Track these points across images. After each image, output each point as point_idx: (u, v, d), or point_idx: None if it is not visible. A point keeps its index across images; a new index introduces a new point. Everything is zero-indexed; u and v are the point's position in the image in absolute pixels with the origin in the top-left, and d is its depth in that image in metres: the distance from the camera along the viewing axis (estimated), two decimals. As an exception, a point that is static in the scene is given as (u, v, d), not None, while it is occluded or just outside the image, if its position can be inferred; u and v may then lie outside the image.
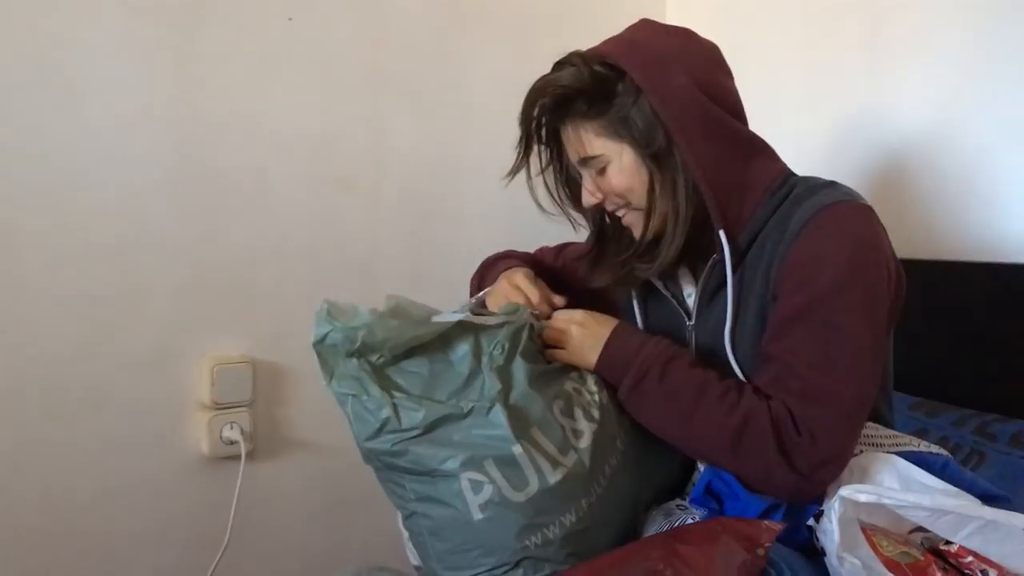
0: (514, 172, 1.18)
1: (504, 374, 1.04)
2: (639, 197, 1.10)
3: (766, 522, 0.92)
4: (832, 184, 1.10)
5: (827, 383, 0.98)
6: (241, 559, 1.63)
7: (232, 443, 1.60)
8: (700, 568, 0.85)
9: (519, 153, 1.19)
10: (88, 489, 1.51)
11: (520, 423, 1.00)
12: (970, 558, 0.86)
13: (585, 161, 1.12)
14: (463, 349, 1.05)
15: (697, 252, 1.14)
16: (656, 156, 1.07)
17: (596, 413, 1.07)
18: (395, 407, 0.99)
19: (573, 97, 1.09)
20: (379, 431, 1.00)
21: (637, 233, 1.14)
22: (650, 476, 1.12)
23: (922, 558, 0.86)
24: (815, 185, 1.10)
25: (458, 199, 1.85)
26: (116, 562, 1.54)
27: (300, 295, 1.68)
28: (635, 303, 1.26)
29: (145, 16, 1.51)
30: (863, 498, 0.85)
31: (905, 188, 1.60)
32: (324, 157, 1.70)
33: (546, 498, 0.98)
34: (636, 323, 1.25)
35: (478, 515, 0.97)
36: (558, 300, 1.21)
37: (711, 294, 1.15)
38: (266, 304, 1.66)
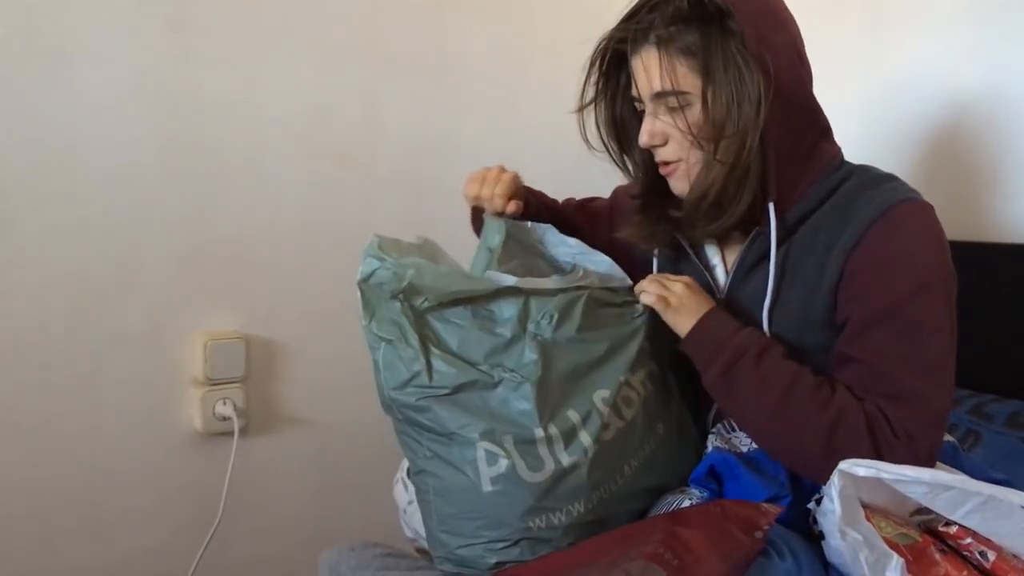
0: (585, 103, 1.15)
1: (546, 348, 1.01)
2: (709, 140, 1.04)
3: (765, 505, 0.92)
4: (892, 177, 1.08)
5: (918, 384, 0.96)
6: (234, 536, 1.63)
7: (225, 419, 1.59)
8: (700, 551, 0.85)
9: (597, 74, 1.13)
10: (79, 465, 1.50)
11: (549, 404, 0.98)
12: (969, 539, 0.86)
13: (663, 95, 1.04)
14: (510, 311, 1.02)
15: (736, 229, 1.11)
16: (739, 105, 1.01)
17: (632, 412, 1.04)
18: (429, 363, 0.98)
19: (683, 21, 1.02)
20: (407, 383, 0.99)
21: (682, 187, 1.09)
22: (668, 481, 1.09)
23: (920, 539, 0.86)
24: (877, 176, 1.07)
25: (454, 176, 1.81)
26: (107, 539, 1.54)
27: (294, 271, 1.67)
28: (655, 265, 1.22)
29: (137, -14, 1.48)
30: (861, 472, 0.84)
31: (910, 166, 1.60)
32: (319, 133, 1.68)
33: (559, 485, 0.97)
34: None
35: (488, 487, 0.96)
36: (512, 207, 1.18)
37: (748, 267, 1.11)
38: (260, 280, 1.64)
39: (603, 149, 1.19)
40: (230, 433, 1.59)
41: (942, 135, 1.59)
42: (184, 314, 1.57)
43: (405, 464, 1.24)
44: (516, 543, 0.96)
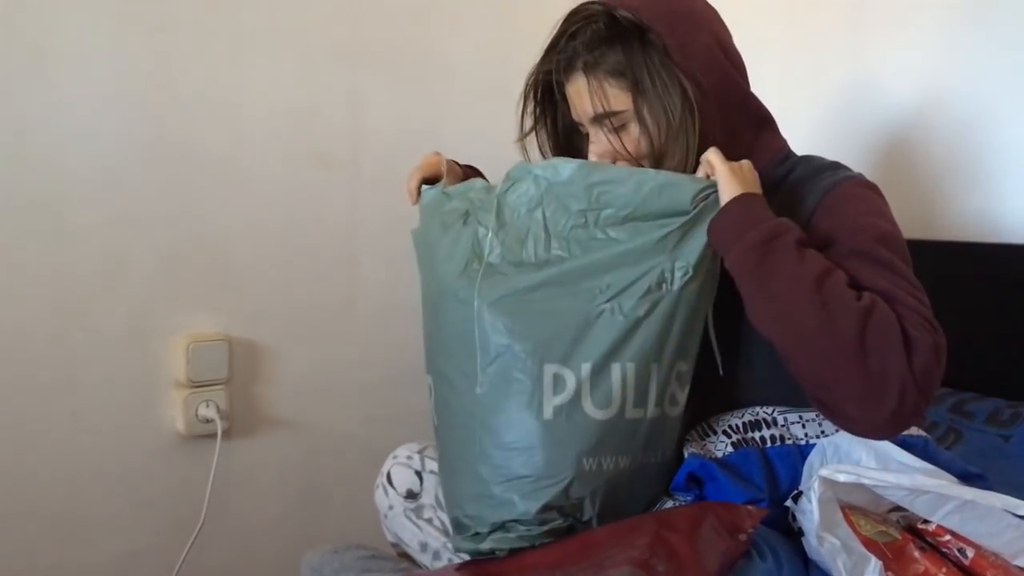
0: (525, 133, 1.17)
1: (667, 298, 0.99)
2: (651, 157, 1.06)
3: (749, 507, 0.92)
4: (838, 164, 1.09)
5: (913, 302, 0.93)
6: (216, 539, 1.62)
7: (208, 421, 1.58)
8: (686, 556, 0.85)
9: (532, 104, 1.16)
10: (60, 468, 1.49)
11: (657, 347, 0.98)
12: (947, 536, 0.86)
13: (601, 118, 1.07)
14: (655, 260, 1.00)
15: None
16: (674, 115, 1.02)
17: (683, 397, 1.04)
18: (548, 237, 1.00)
19: (604, 43, 1.04)
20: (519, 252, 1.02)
21: None
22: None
23: (899, 537, 0.86)
24: (822, 165, 1.09)
25: (438, 176, 1.83)
26: (88, 543, 1.53)
27: (277, 272, 1.66)
28: None
29: (117, -14, 1.47)
30: (842, 478, 0.85)
31: (886, 165, 1.60)
32: (302, 133, 1.68)
33: (616, 430, 0.96)
34: None
35: (549, 415, 0.95)
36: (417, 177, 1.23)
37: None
38: (243, 281, 1.63)
39: None
40: (213, 435, 1.58)
41: (918, 134, 1.60)
42: (166, 316, 1.56)
43: (385, 468, 1.24)
44: (562, 482, 0.94)
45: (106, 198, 1.49)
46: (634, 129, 1.06)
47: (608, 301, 0.97)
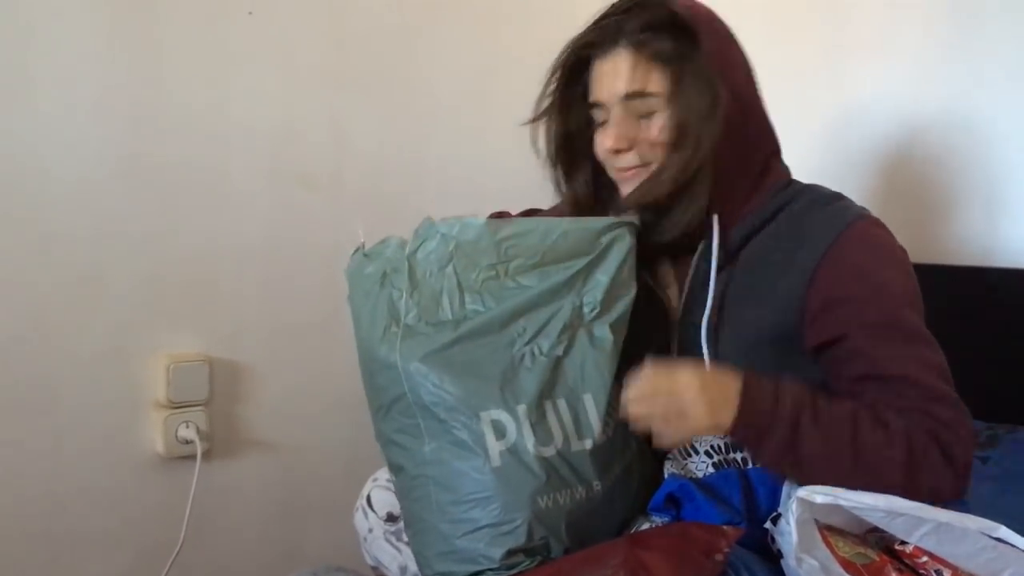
0: (543, 109, 1.16)
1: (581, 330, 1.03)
2: (665, 147, 1.07)
3: (726, 527, 0.92)
4: (841, 196, 1.10)
5: (942, 386, 0.98)
6: (195, 562, 1.60)
7: (188, 443, 1.57)
8: (660, 575, 0.85)
9: (560, 79, 1.14)
10: (36, 490, 1.47)
11: (584, 380, 1.01)
12: (925, 558, 0.86)
13: (632, 97, 1.07)
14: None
15: (682, 247, 1.12)
16: (703, 117, 1.04)
17: (614, 422, 1.05)
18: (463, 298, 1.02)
19: (654, 29, 1.06)
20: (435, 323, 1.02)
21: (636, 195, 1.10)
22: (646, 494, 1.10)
23: (878, 558, 0.87)
24: (826, 195, 1.10)
25: (420, 197, 1.83)
26: (66, 564, 1.51)
27: (259, 292, 1.66)
28: None
29: (101, 6, 1.47)
30: (820, 499, 0.86)
31: (868, 190, 1.62)
32: (285, 153, 1.68)
33: (566, 464, 0.98)
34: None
35: (496, 462, 0.96)
36: None
37: (700, 287, 1.11)
38: (224, 301, 1.63)
39: (551, 164, 1.20)
40: (193, 457, 1.57)
41: (900, 160, 1.62)
42: (147, 335, 1.55)
43: (365, 491, 1.23)
44: (521, 525, 0.96)
45: (87, 215, 1.48)
46: (659, 117, 1.07)
47: (527, 344, 1.01)
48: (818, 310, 1.02)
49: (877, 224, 1.07)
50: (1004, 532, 0.83)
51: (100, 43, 1.48)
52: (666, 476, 1.08)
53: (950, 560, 0.87)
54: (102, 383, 1.52)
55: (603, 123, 1.11)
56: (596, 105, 1.12)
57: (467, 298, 1.02)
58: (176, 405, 1.56)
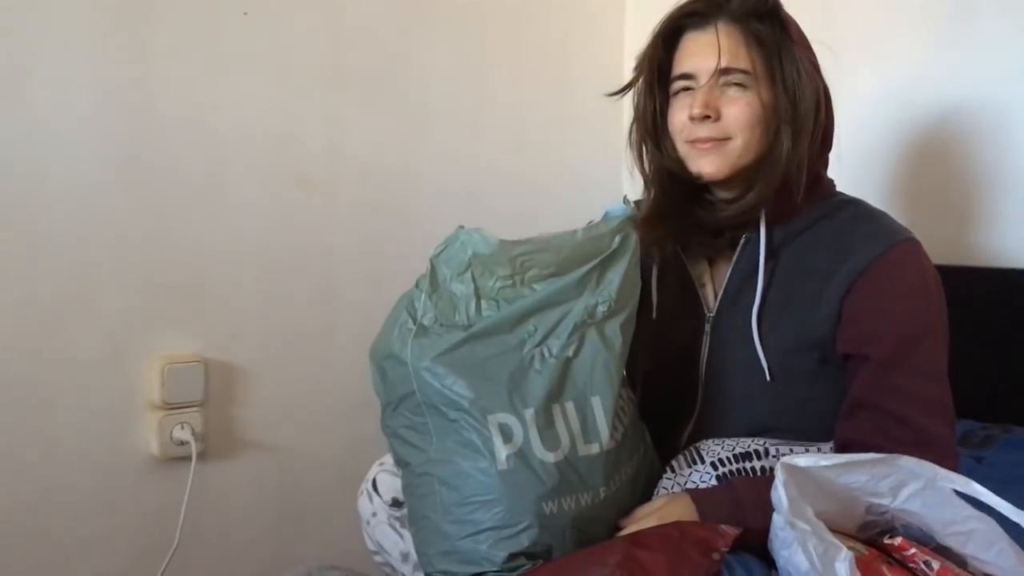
0: (636, 78, 1.17)
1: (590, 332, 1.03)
2: (750, 128, 1.08)
3: (723, 527, 0.93)
4: (886, 214, 1.13)
5: (937, 429, 1.01)
6: (190, 564, 1.60)
7: (183, 444, 1.57)
8: (657, 574, 0.85)
9: (656, 47, 1.15)
10: (32, 491, 1.47)
11: (593, 383, 1.02)
12: (913, 550, 0.87)
13: (725, 72, 1.09)
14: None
15: (719, 242, 1.15)
16: (792, 105, 1.07)
17: (623, 427, 1.05)
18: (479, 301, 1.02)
19: (754, 15, 1.09)
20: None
21: (717, 167, 1.11)
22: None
23: (867, 553, 0.88)
24: (873, 210, 1.13)
25: (415, 200, 1.84)
26: (61, 567, 1.50)
27: (254, 294, 1.66)
28: (653, 280, 1.22)
29: (97, 7, 1.48)
30: (802, 462, 0.87)
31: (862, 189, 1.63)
32: (280, 156, 1.68)
33: (573, 469, 0.98)
34: (650, 303, 1.20)
35: (503, 465, 0.96)
36: None
37: (738, 286, 1.14)
38: (219, 303, 1.63)
39: (641, 137, 1.20)
40: (188, 458, 1.57)
41: (902, 159, 1.62)
42: (142, 337, 1.55)
43: (371, 474, 1.23)
44: (525, 529, 0.96)
45: (83, 217, 1.49)
46: (748, 94, 1.08)
47: (537, 346, 1.01)
48: (847, 322, 1.06)
49: (918, 249, 1.09)
50: (975, 487, 0.85)
51: (95, 44, 1.48)
52: (658, 493, 1.08)
53: (938, 526, 0.89)
54: (97, 384, 1.52)
55: (682, 93, 1.13)
56: (683, 76, 1.13)
57: (483, 304, 1.02)
58: (171, 406, 1.56)
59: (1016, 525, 0.85)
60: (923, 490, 0.87)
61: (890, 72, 1.63)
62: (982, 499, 0.84)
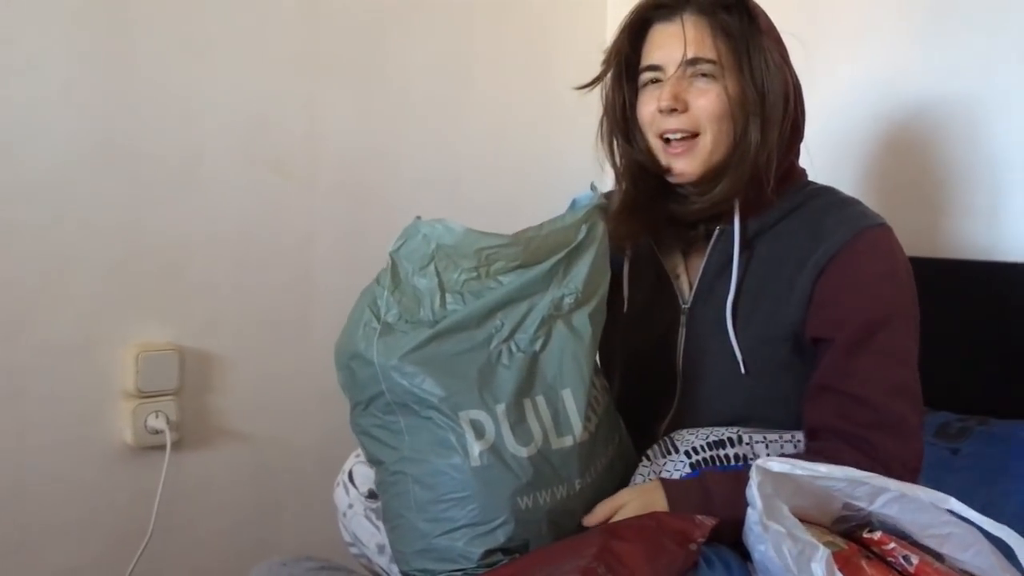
0: (604, 72, 1.16)
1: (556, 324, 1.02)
2: (718, 120, 1.08)
3: (699, 517, 0.93)
4: (858, 201, 1.13)
5: (899, 410, 1.00)
6: (164, 553, 1.59)
7: (157, 432, 1.55)
8: (634, 565, 0.85)
9: (625, 41, 1.14)
10: (4, 479, 1.45)
11: (563, 376, 1.01)
12: (892, 544, 0.87)
13: (693, 63, 1.08)
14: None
15: (693, 234, 1.15)
16: (761, 97, 1.07)
17: (597, 417, 1.05)
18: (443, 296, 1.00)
19: (720, 5, 1.09)
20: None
21: (691, 168, 1.10)
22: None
23: (846, 547, 0.87)
24: (844, 198, 1.13)
25: (394, 186, 1.83)
26: (33, 556, 1.49)
27: (231, 281, 1.64)
28: (624, 274, 1.22)
29: (70, -12, 1.46)
30: (776, 467, 0.86)
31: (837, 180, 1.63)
32: (258, 141, 1.66)
33: (547, 463, 0.98)
34: (622, 297, 1.20)
35: (476, 462, 0.95)
36: None
37: (713, 277, 1.14)
38: (195, 290, 1.61)
39: (611, 131, 1.19)
40: (162, 447, 1.55)
41: (878, 151, 1.63)
42: (116, 324, 1.53)
43: (348, 466, 1.22)
44: (501, 525, 0.95)
45: (55, 201, 1.46)
46: (716, 86, 1.08)
47: (504, 341, 1.00)
48: (817, 305, 1.06)
49: (889, 235, 1.09)
50: (954, 504, 0.84)
51: (69, 26, 1.46)
52: (634, 482, 1.08)
53: (916, 529, 0.89)
54: (70, 372, 1.50)
55: (650, 85, 1.12)
56: (651, 68, 1.12)
57: (448, 298, 1.01)
58: (145, 395, 1.54)
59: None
60: (900, 497, 0.87)
61: (867, 65, 1.64)
62: (963, 515, 0.84)
